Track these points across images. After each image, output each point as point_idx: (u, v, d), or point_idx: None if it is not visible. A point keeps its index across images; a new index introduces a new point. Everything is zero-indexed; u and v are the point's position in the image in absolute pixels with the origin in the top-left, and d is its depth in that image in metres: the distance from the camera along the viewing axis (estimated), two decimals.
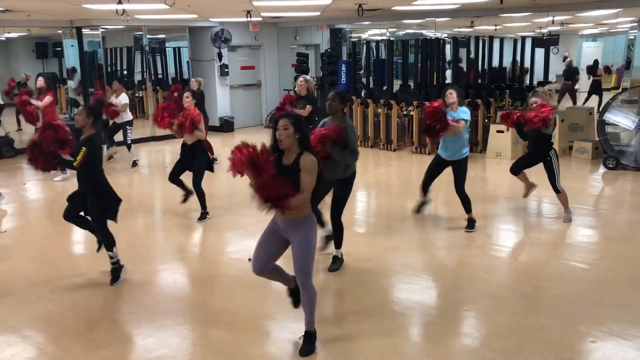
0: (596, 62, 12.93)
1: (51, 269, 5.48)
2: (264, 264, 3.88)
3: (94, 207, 4.97)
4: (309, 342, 3.84)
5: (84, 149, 4.77)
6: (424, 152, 10.59)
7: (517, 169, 6.70)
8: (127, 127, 9.71)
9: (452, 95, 6.03)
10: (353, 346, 3.98)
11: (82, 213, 5.18)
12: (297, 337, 3.97)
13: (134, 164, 9.94)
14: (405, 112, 11.24)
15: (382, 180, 9.22)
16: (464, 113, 6.03)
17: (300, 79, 8.08)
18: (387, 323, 4.30)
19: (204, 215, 6.83)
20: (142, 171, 9.83)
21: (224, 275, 5.42)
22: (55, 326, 4.35)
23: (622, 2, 9.48)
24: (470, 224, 6.25)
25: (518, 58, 11.92)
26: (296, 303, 4.15)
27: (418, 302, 4.65)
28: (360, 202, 7.82)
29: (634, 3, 9.39)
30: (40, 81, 8.81)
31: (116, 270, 5.09)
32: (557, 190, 6.41)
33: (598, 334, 4.05)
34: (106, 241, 5.08)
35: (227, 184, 8.51)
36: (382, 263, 5.44)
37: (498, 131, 9.87)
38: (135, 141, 10.48)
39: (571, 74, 12.74)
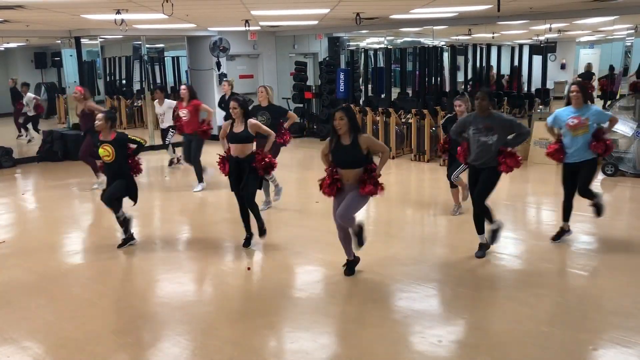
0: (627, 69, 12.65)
1: (49, 280, 5.46)
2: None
3: (120, 186, 6.01)
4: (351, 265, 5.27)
5: (143, 139, 6.26)
6: (422, 160, 10.60)
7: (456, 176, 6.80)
8: (172, 130, 10.26)
9: (574, 94, 5.71)
10: (353, 353, 3.97)
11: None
12: (296, 345, 3.98)
13: (170, 162, 10.71)
14: (403, 120, 11.26)
15: None
16: (601, 114, 5.78)
17: (260, 88, 7.54)
18: (387, 331, 4.28)
19: (262, 231, 6.11)
20: (142, 180, 9.79)
21: (223, 284, 5.41)
22: (54, 337, 4.33)
23: (618, 9, 9.53)
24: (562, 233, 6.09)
25: (493, 63, 11.94)
26: (348, 273, 5.26)
27: (418, 311, 4.63)
28: None
29: (631, 10, 9.44)
30: (184, 91, 8.97)
31: (128, 239, 6.24)
32: (453, 185, 6.90)
33: (599, 341, 4.05)
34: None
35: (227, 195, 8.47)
36: (381, 271, 5.43)
37: None
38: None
39: (587, 79, 12.71)
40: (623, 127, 9.01)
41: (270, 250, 6.01)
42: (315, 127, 13.80)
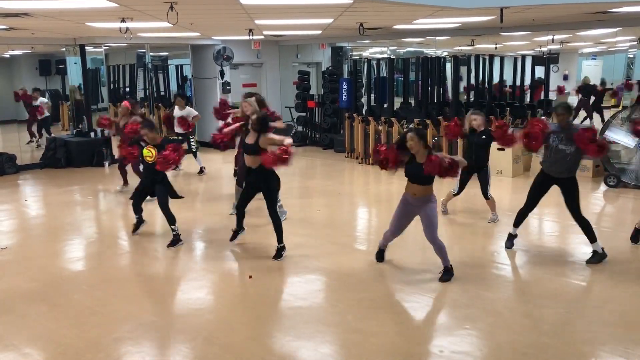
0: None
1: (51, 287, 5.46)
2: (397, 233, 5.61)
3: (162, 191, 6.55)
4: (445, 273, 5.37)
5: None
6: None
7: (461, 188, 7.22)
8: (191, 137, 10.47)
9: None
10: None
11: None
12: (297, 354, 3.99)
13: (201, 171, 10.60)
14: (406, 130, 11.28)
15: (383, 197, 9.22)
16: None
17: (247, 101, 7.26)
18: (388, 341, 4.27)
19: (280, 253, 6.04)
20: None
21: (225, 293, 5.40)
22: (55, 344, 4.33)
23: (621, 21, 9.56)
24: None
25: (482, 75, 11.94)
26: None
27: (419, 321, 4.62)
28: (361, 219, 7.83)
29: (633, 22, 9.46)
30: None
31: (176, 240, 6.51)
32: (487, 197, 7.11)
33: (600, 353, 4.03)
34: (169, 218, 6.53)
35: (224, 205, 8.48)
36: (383, 280, 5.42)
37: (499, 149, 9.89)
38: None
39: (587, 90, 12.73)
40: (625, 139, 9.01)
41: (272, 259, 6.00)
42: (317, 136, 13.84)
